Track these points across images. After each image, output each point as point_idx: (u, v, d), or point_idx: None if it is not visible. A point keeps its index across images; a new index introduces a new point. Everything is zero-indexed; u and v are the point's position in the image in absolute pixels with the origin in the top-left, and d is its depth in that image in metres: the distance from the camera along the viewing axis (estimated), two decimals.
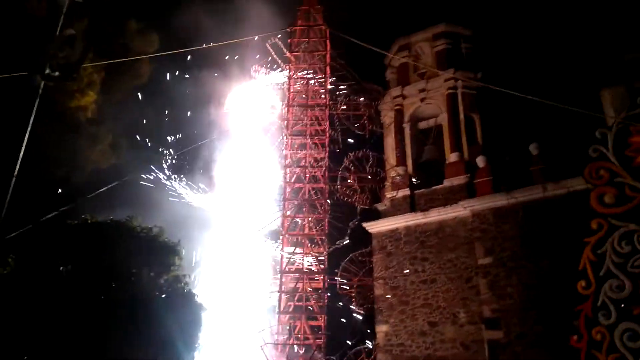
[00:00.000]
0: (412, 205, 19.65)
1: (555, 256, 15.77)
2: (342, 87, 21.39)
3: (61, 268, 11.29)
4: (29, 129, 6.85)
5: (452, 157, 19.52)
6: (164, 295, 11.92)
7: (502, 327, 16.13)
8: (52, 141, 15.99)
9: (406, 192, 19.87)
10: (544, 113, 16.75)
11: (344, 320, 18.58)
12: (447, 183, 19.17)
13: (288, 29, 21.90)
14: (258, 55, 21.49)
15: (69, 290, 10.80)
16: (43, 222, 11.08)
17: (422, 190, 19.78)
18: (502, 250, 17.00)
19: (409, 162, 20.72)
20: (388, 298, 18.57)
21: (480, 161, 18.45)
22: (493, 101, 19.87)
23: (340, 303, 18.77)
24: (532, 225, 16.72)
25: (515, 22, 22.74)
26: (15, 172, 6.55)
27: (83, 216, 12.48)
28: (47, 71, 7.38)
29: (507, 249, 16.91)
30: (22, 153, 6.71)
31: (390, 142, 21.63)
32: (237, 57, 21.68)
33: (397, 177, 20.10)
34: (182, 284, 12.67)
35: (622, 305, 10.57)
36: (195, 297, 12.80)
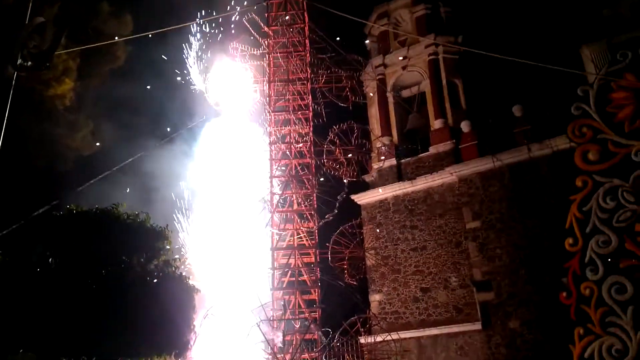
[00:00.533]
0: (399, 174, 19.73)
1: (543, 216, 16.04)
2: (322, 59, 21.10)
3: (50, 260, 11.21)
4: (4, 122, 6.69)
5: (436, 124, 19.55)
6: (155, 280, 11.92)
7: (493, 288, 16.45)
8: (31, 132, 15.72)
9: (392, 161, 19.94)
10: (526, 73, 16.76)
11: (338, 293, 18.75)
12: (432, 150, 19.25)
13: (265, 3, 21.43)
14: (242, 35, 21.06)
15: (60, 281, 10.76)
16: (28, 215, 10.95)
17: (408, 158, 19.85)
18: (490, 213, 17.21)
19: (394, 131, 20.73)
20: (380, 268, 18.80)
21: (464, 126, 18.51)
22: (475, 65, 19.83)
23: (333, 276, 18.90)
24: (518, 187, 16.92)
25: None
26: None
27: (68, 206, 12.35)
28: (19, 61, 7.16)
29: (494, 212, 17.13)
30: None
31: (374, 112, 21.58)
32: (215, 32, 21.24)
33: (383, 147, 20.13)
34: (173, 268, 12.66)
35: (609, 259, 10.81)
36: (188, 279, 12.83)
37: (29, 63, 7.03)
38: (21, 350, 10.82)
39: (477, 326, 16.36)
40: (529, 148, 16.84)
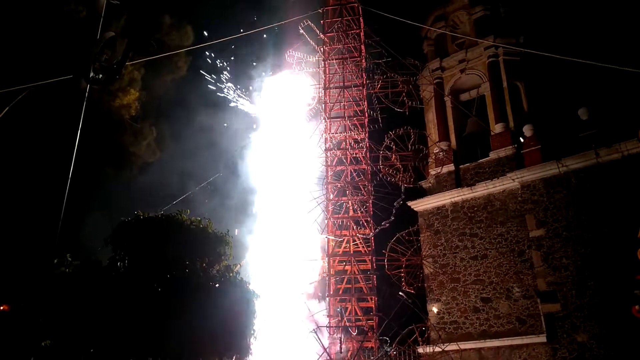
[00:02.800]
0: (457, 180, 19.26)
1: (612, 224, 15.23)
2: (378, 64, 20.99)
3: (119, 264, 11.69)
4: (78, 132, 6.96)
5: (497, 128, 18.97)
6: (217, 285, 12.18)
7: (559, 299, 15.74)
8: (99, 141, 16.47)
9: (451, 167, 19.48)
10: (592, 74, 16.05)
11: (395, 301, 18.50)
12: (493, 155, 18.68)
13: (320, 10, 21.60)
14: (298, 43, 21.29)
15: (128, 284, 11.18)
16: (99, 220, 11.48)
17: (467, 164, 19.35)
18: (555, 220, 16.50)
19: (452, 136, 20.26)
20: (438, 276, 18.37)
21: (527, 130, 17.86)
22: (537, 66, 19.15)
23: (390, 284, 18.68)
24: (586, 193, 16.14)
25: None
26: (69, 176, 6.70)
27: (135, 212, 12.82)
28: (92, 74, 7.43)
29: (560, 220, 16.40)
30: (73, 157, 6.83)
31: (431, 117, 21.20)
32: (271, 42, 21.62)
33: (441, 153, 19.72)
34: (234, 273, 12.89)
35: None
36: (248, 284, 13.02)
37: (101, 76, 7.32)
38: (92, 350, 11.29)
39: (542, 338, 15.69)
40: (597, 153, 16.04)
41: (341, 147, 20.45)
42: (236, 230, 20.83)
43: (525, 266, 16.84)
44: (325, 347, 16.51)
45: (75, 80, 8.33)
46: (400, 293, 17.85)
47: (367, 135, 20.27)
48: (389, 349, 17.08)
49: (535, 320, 16.18)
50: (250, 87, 22.28)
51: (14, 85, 11.22)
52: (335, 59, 21.36)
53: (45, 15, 14.41)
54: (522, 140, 17.93)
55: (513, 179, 17.51)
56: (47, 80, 11.02)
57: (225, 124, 24.62)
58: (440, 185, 19.56)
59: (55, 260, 10.91)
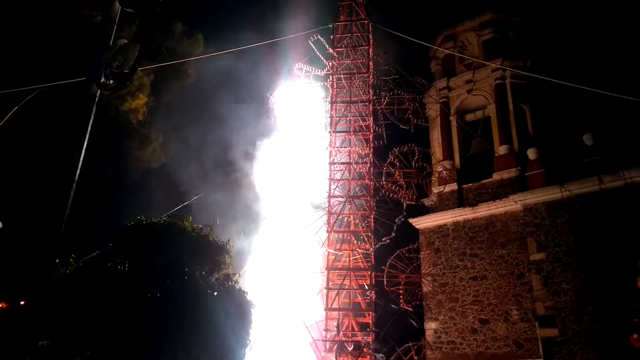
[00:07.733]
0: (460, 200, 19.28)
1: (614, 251, 15.18)
2: (385, 81, 21.12)
3: (119, 267, 11.72)
4: (86, 137, 7.04)
5: (501, 150, 19.03)
6: (215, 293, 12.20)
7: (557, 324, 15.64)
8: (105, 144, 16.58)
9: (454, 186, 19.51)
10: (598, 101, 16.11)
11: (392, 318, 18.42)
12: (496, 176, 18.72)
13: (330, 25, 21.80)
14: (307, 57, 21.45)
15: (126, 287, 11.20)
16: (101, 223, 11.56)
17: (470, 184, 19.37)
18: (557, 245, 16.46)
19: (456, 155, 20.32)
20: (437, 295, 18.32)
21: (531, 153, 17.89)
22: (544, 90, 19.22)
23: (388, 300, 18.61)
24: (588, 219, 16.12)
25: (565, 6, 21.79)
26: (76, 178, 6.76)
27: (138, 217, 12.88)
28: (103, 80, 7.55)
29: (561, 244, 16.36)
30: (81, 159, 6.91)
31: (436, 135, 21.28)
32: (280, 54, 21.78)
33: (444, 172, 19.75)
34: (232, 282, 12.91)
35: None
36: (245, 294, 13.02)
37: (112, 82, 7.44)
38: (87, 352, 11.30)
39: None
40: (600, 179, 16.02)
41: (345, 161, 20.50)
42: (237, 238, 20.82)
43: (525, 289, 16.78)
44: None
45: (86, 85, 8.48)
46: (393, 306, 17.76)
47: (371, 150, 20.32)
48: None
49: (533, 345, 16.09)
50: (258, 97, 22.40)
51: (24, 85, 11.35)
52: (343, 74, 21.50)
53: (59, 17, 14.63)
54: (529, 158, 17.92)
55: (515, 201, 17.51)
56: (57, 82, 11.15)
57: (233, 131, 24.72)
58: (443, 204, 19.58)
59: (57, 261, 10.96)
